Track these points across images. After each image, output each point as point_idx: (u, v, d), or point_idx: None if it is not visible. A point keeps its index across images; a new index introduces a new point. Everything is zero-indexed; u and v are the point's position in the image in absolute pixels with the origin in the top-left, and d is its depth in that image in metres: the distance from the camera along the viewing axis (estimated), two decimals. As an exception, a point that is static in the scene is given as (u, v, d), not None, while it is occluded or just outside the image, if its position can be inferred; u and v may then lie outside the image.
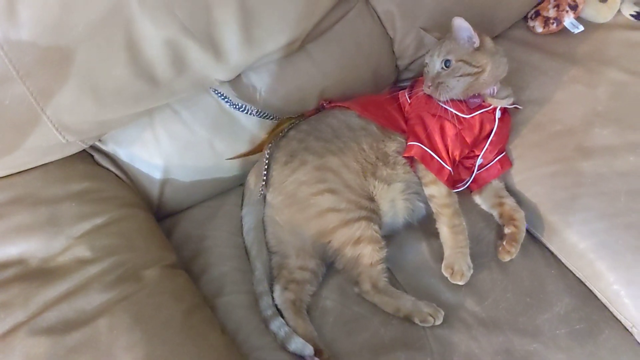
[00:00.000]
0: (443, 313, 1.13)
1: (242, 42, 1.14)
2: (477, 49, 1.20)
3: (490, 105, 1.24)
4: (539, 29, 1.56)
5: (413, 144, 1.22)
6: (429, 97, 1.24)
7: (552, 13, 1.53)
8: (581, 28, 1.52)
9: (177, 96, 1.19)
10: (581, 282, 1.22)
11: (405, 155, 1.23)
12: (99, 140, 1.20)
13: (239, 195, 1.33)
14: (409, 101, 1.30)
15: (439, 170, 1.20)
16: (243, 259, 1.22)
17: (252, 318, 1.13)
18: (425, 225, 1.28)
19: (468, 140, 1.22)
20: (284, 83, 1.30)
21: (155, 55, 1.06)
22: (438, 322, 1.12)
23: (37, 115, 1.01)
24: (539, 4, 1.59)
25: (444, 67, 1.20)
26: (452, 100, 1.22)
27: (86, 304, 0.95)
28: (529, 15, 1.59)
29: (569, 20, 1.52)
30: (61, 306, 0.94)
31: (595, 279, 1.20)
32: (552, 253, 1.26)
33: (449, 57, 1.20)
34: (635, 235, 1.17)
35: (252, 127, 1.30)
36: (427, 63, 1.26)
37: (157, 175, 1.25)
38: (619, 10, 1.57)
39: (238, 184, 1.36)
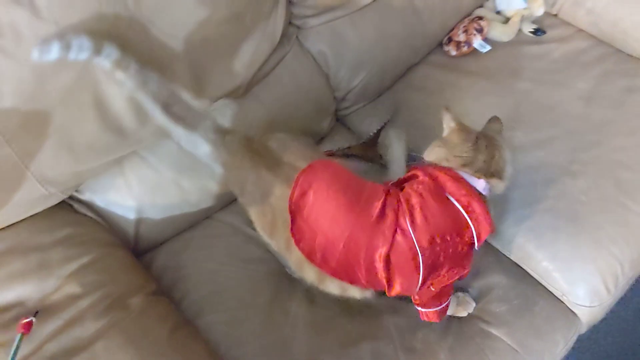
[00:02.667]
0: None
1: (193, 93, 1.20)
2: None
3: None
4: (453, 52, 1.69)
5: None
6: None
7: (462, 37, 1.67)
8: (489, 47, 1.67)
9: (143, 144, 1.26)
10: (515, 264, 1.36)
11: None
12: (77, 191, 1.25)
13: (207, 226, 1.40)
14: None
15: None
16: (217, 283, 1.28)
17: (231, 333, 1.20)
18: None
19: None
20: (235, 121, 1.37)
21: (120, 110, 1.14)
22: None
23: (22, 173, 1.09)
24: (450, 30, 1.72)
25: None
26: None
27: (82, 332, 1.04)
28: (443, 42, 1.72)
29: (477, 42, 1.66)
30: (60, 337, 1.02)
31: (527, 259, 1.34)
32: (487, 242, 1.38)
33: None
34: (553, 216, 1.32)
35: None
36: None
37: (131, 216, 1.31)
38: (520, 29, 1.73)
39: (205, 216, 1.42)
